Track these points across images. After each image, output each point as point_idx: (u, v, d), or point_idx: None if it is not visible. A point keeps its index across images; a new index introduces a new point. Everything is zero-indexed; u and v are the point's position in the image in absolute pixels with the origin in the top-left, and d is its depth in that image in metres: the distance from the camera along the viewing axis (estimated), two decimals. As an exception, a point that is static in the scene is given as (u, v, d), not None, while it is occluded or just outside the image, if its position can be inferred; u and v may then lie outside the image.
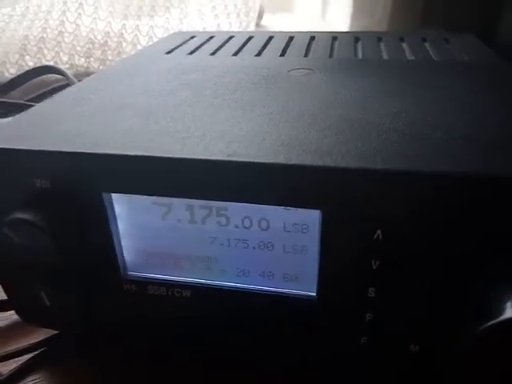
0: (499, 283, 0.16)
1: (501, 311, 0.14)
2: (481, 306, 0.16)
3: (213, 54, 0.32)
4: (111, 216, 0.19)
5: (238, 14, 0.65)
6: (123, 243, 0.20)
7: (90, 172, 0.18)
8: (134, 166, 0.18)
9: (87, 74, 0.55)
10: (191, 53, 0.32)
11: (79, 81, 0.36)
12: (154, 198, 0.18)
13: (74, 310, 0.20)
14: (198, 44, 0.34)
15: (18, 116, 0.21)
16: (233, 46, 0.34)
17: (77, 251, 0.19)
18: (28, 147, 0.18)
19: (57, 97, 0.24)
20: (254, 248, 0.19)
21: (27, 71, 0.42)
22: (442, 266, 0.17)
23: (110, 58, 0.57)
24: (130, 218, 0.19)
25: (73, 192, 0.18)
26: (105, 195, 0.18)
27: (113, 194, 0.19)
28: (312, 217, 0.17)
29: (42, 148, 0.18)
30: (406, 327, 0.18)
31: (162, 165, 0.17)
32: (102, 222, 0.19)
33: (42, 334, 0.24)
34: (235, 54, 0.32)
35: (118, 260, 0.20)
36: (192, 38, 0.37)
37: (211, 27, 0.63)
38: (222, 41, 0.35)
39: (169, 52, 0.33)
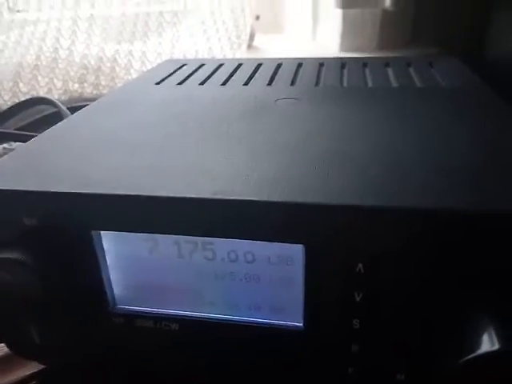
0: (478, 315, 0.16)
1: (478, 344, 0.15)
2: (461, 337, 0.16)
3: (202, 83, 0.33)
4: (100, 252, 0.19)
5: (230, 37, 0.66)
6: (112, 278, 0.20)
7: (78, 211, 0.18)
8: (121, 204, 0.18)
9: (81, 99, 0.56)
10: (181, 83, 0.33)
11: (70, 108, 0.36)
12: (142, 234, 0.19)
13: (63, 345, 0.20)
14: (188, 73, 0.35)
15: (8, 154, 0.22)
16: (222, 74, 0.35)
17: (65, 288, 0.19)
18: (16, 187, 0.18)
19: (47, 133, 0.24)
20: (240, 280, 0.19)
21: (19, 103, 0.42)
22: (423, 298, 0.17)
23: (103, 83, 0.58)
24: (119, 253, 0.20)
25: (61, 230, 0.19)
26: (93, 233, 0.19)
27: (102, 232, 0.19)
28: (296, 251, 0.18)
29: (29, 188, 0.18)
30: (391, 357, 0.19)
31: (147, 203, 0.18)
32: (91, 258, 0.19)
33: (34, 367, 0.24)
34: (224, 83, 0.32)
35: (107, 294, 0.20)
36: (182, 66, 0.38)
37: (203, 50, 0.64)
38: (212, 69, 0.36)
39: (159, 82, 0.33)
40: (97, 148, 0.22)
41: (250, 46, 0.75)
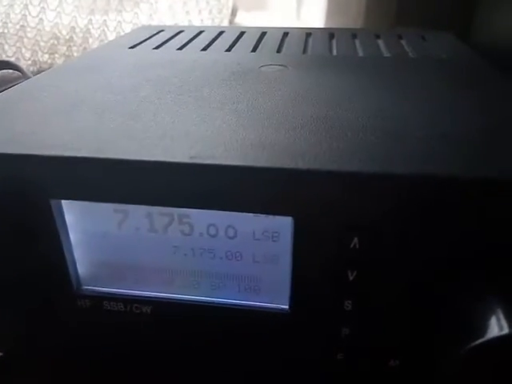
0: (483, 296, 0.14)
1: (486, 328, 0.13)
2: (465, 320, 0.14)
3: (180, 48, 0.30)
4: (61, 225, 0.17)
5: (211, 11, 0.63)
6: (76, 255, 0.18)
7: (35, 176, 0.16)
8: (85, 169, 0.16)
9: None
10: (157, 47, 0.30)
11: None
12: (109, 204, 0.17)
13: (20, 330, 0.18)
14: (166, 38, 0.33)
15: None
16: (202, 40, 0.32)
17: (22, 265, 0.17)
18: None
19: (5, 93, 0.22)
20: (220, 258, 0.17)
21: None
22: (422, 276, 0.16)
23: (75, 54, 0.55)
24: (83, 226, 0.17)
25: (16, 198, 0.16)
26: (53, 202, 0.16)
27: (63, 201, 0.17)
28: (283, 224, 0.16)
29: (-23, 149, 0.16)
30: (385, 342, 0.17)
31: (116, 168, 0.16)
32: (51, 232, 0.17)
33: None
34: (204, 49, 0.30)
35: (71, 273, 0.18)
36: (159, 32, 0.35)
37: (182, 23, 0.61)
38: (191, 35, 0.33)
39: (133, 46, 0.31)
40: (61, 110, 0.19)
41: (231, 22, 0.73)
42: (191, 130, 0.17)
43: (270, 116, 0.19)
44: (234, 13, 0.73)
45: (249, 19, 0.83)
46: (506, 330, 0.13)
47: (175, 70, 0.25)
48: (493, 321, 0.14)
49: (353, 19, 0.73)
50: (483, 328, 0.14)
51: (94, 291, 0.18)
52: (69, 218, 0.17)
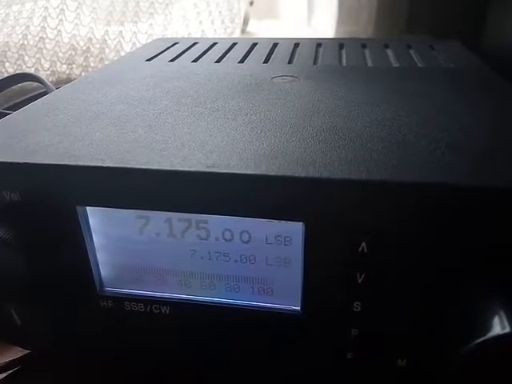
0: (487, 297, 0.15)
1: (488, 327, 0.14)
2: (469, 320, 0.15)
3: (195, 61, 0.31)
4: (86, 230, 0.18)
5: (223, 21, 0.64)
6: (99, 258, 0.19)
7: (62, 185, 0.17)
8: (108, 178, 0.17)
9: (69, 80, 0.54)
10: (173, 60, 0.32)
11: (57, 89, 0.35)
12: (131, 211, 0.18)
13: (47, 328, 0.19)
14: (181, 51, 0.34)
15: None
16: (216, 52, 0.33)
17: (49, 267, 0.18)
18: (-4, 159, 0.17)
19: (31, 106, 0.23)
20: (235, 261, 0.18)
21: (3, 79, 0.41)
22: (428, 278, 0.16)
23: (92, 64, 0.56)
24: (106, 231, 0.18)
25: (45, 205, 0.17)
26: (79, 209, 0.18)
27: (88, 208, 0.18)
28: (295, 229, 0.17)
29: (11, 160, 0.17)
30: (393, 341, 0.18)
31: (138, 177, 0.17)
32: (77, 236, 0.18)
33: (17, 352, 0.23)
34: (218, 61, 0.31)
35: (94, 276, 0.19)
36: (174, 44, 0.36)
37: (196, 34, 0.63)
38: (205, 47, 0.35)
39: (150, 59, 0.32)
40: (84, 122, 0.21)
41: (243, 31, 0.74)
42: (207, 141, 0.18)
43: (281, 126, 0.20)
44: (245, 22, 0.75)
45: (260, 28, 0.84)
46: (507, 329, 0.14)
47: (191, 83, 0.26)
48: (495, 320, 0.14)
49: (363, 26, 0.73)
50: (486, 327, 0.14)
51: (115, 292, 0.19)
52: (93, 223, 0.18)
